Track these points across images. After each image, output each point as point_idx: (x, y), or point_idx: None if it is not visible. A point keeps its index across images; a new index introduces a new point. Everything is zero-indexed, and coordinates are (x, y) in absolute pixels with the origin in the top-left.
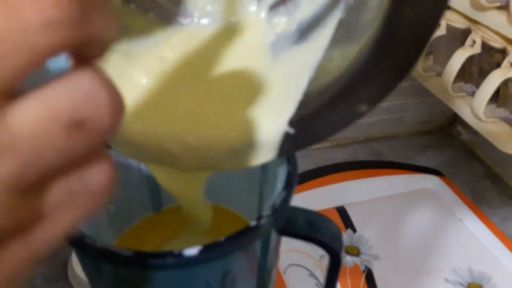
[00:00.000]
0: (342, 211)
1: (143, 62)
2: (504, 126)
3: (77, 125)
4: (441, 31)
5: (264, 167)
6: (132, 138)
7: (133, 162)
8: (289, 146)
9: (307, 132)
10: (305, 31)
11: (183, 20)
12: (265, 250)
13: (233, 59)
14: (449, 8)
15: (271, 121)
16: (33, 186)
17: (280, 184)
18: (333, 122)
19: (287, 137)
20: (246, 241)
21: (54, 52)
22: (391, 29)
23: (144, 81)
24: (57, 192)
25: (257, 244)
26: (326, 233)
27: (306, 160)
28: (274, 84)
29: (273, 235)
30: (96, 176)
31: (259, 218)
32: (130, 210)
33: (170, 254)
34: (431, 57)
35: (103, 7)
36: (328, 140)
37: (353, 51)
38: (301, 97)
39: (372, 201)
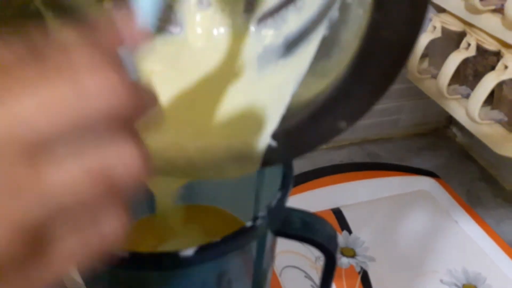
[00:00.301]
0: (338, 213)
1: None
2: (498, 128)
3: (103, 180)
4: (436, 33)
5: (260, 171)
6: None
7: None
8: (272, 158)
9: (289, 146)
10: (291, 45)
11: (173, 29)
12: (261, 250)
13: (220, 72)
14: (442, 10)
15: (255, 133)
16: (46, 233)
17: (276, 185)
18: (314, 136)
19: (270, 149)
20: (241, 242)
21: (101, 122)
22: (368, 51)
23: None
24: (68, 240)
25: (253, 245)
26: (321, 234)
27: (302, 162)
28: (259, 98)
29: (269, 236)
30: (110, 222)
31: (254, 219)
32: None
33: (165, 255)
34: (427, 59)
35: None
36: None
37: (333, 69)
38: (284, 111)
39: (368, 202)
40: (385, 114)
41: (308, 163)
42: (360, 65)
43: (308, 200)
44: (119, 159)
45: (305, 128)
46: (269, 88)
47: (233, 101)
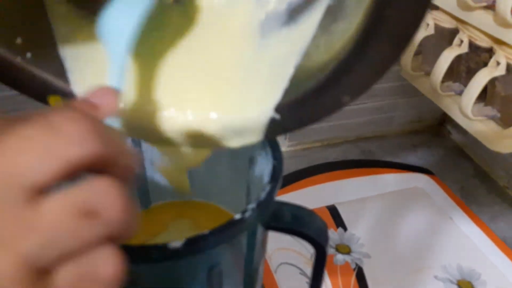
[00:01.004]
0: (333, 210)
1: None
2: (491, 125)
3: (90, 215)
4: (429, 31)
5: (251, 163)
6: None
7: None
8: (275, 129)
9: (292, 118)
10: (295, 12)
11: None
12: (252, 244)
13: (223, 41)
14: (435, 7)
15: (258, 107)
16: (47, 266)
17: (266, 179)
18: (317, 110)
19: (273, 121)
20: (230, 234)
21: (84, 166)
22: (373, 27)
23: (135, 64)
24: (66, 274)
25: (243, 238)
26: (311, 227)
27: (297, 159)
28: (262, 69)
29: (259, 229)
30: (104, 261)
31: (243, 211)
32: None
33: (155, 247)
34: (420, 57)
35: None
36: (319, 140)
37: (338, 41)
38: (287, 83)
39: (363, 200)
40: (380, 112)
41: (303, 161)
42: (364, 39)
43: (303, 197)
44: (102, 195)
45: (308, 101)
46: (272, 59)
47: (234, 73)
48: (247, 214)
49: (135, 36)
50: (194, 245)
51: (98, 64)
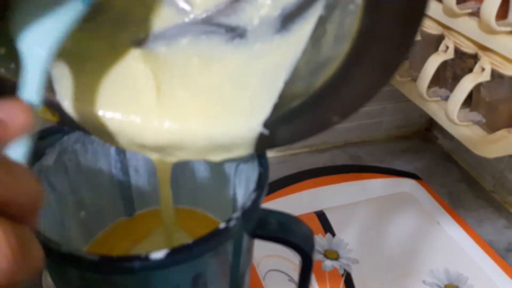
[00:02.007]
0: (321, 216)
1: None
2: (477, 130)
3: None
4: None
5: (237, 170)
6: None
7: (104, 167)
8: (264, 144)
9: (281, 134)
10: (287, 19)
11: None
12: (237, 253)
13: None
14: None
15: (247, 122)
16: None
17: (252, 186)
18: (306, 127)
19: (261, 136)
20: (215, 244)
21: None
22: (359, 53)
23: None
24: None
25: (228, 247)
26: (297, 235)
27: (285, 165)
28: (251, 82)
29: (245, 237)
30: None
31: (228, 220)
32: (101, 215)
33: (136, 258)
34: (407, 62)
35: (26, 180)
36: (307, 146)
37: (327, 59)
38: (277, 99)
39: (351, 205)
40: (368, 117)
41: (291, 167)
42: (351, 62)
43: (291, 203)
44: None
45: (298, 118)
46: (262, 72)
47: (222, 87)
48: (232, 223)
49: (59, 43)
50: (177, 255)
51: (86, 74)
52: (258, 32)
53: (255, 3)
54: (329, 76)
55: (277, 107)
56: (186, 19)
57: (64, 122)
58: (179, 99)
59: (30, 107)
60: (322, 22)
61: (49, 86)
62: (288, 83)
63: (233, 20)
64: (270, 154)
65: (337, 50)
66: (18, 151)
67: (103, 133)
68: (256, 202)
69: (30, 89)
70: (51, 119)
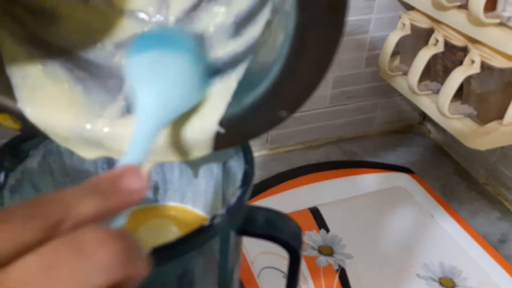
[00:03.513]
0: (315, 212)
1: None
2: (468, 122)
3: None
4: (405, 31)
5: (225, 167)
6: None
7: (90, 168)
8: (221, 143)
9: (236, 132)
10: (240, 25)
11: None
12: (224, 250)
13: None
14: (410, 7)
15: (202, 121)
16: None
17: (239, 183)
18: (258, 123)
19: (218, 135)
20: (200, 241)
21: None
22: (296, 49)
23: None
24: None
25: (215, 244)
26: (285, 232)
27: (279, 162)
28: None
29: (232, 234)
30: None
31: (213, 217)
32: None
33: None
34: (398, 57)
35: (142, 255)
36: (302, 142)
37: (273, 58)
38: (230, 99)
39: (345, 200)
40: (360, 113)
41: (285, 163)
42: (291, 58)
43: (285, 200)
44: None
45: (250, 115)
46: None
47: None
48: (217, 220)
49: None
50: (160, 254)
51: (45, 84)
52: (213, 38)
53: (210, 12)
54: (276, 74)
55: (230, 106)
56: (146, 29)
57: (27, 130)
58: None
59: (141, 173)
60: (268, 25)
61: (10, 93)
62: (241, 82)
63: (190, 28)
64: (264, 151)
65: (280, 50)
66: (119, 222)
67: (67, 142)
68: (241, 199)
69: (140, 150)
70: (13, 126)
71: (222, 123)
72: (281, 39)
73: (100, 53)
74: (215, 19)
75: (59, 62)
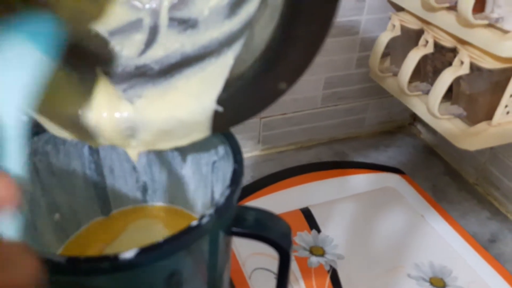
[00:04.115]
0: (306, 212)
1: None
2: (458, 123)
3: None
4: (395, 32)
5: (214, 167)
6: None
7: (77, 168)
8: (220, 123)
9: (235, 110)
10: (235, 5)
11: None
12: (214, 250)
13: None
14: (400, 9)
15: (200, 100)
16: None
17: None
18: (258, 99)
19: (217, 114)
20: (187, 241)
21: None
22: (291, 16)
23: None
24: None
25: (203, 245)
26: (274, 231)
27: (271, 163)
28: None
29: (221, 235)
30: None
31: (201, 217)
32: (77, 216)
33: (105, 258)
34: (388, 58)
35: (22, 261)
36: (293, 143)
37: (269, 29)
38: (227, 75)
39: (336, 201)
40: (351, 114)
41: (276, 164)
42: (287, 26)
43: (277, 200)
44: None
45: (248, 91)
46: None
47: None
48: (205, 220)
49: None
50: (147, 254)
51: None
52: (209, 21)
53: None
54: (272, 43)
55: (228, 82)
56: (140, 16)
57: None
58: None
59: (14, 178)
60: (263, 1)
61: None
62: (237, 58)
63: (184, 13)
64: (256, 152)
65: (273, 24)
66: (9, 226)
67: (61, 130)
68: (229, 198)
69: (12, 157)
70: None
71: (220, 101)
72: (274, 13)
73: (93, 41)
74: (209, 3)
75: None
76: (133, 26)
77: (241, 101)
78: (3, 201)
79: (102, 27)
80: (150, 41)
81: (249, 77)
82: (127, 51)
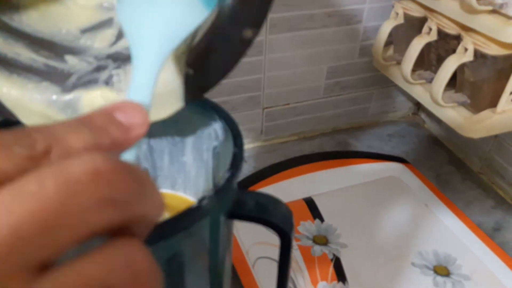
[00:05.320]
0: (310, 202)
1: None
2: (462, 111)
3: None
4: (399, 20)
5: (215, 153)
6: None
7: None
8: (195, 88)
9: (206, 70)
10: None
11: None
12: (214, 234)
13: None
14: None
15: (170, 69)
16: None
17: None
18: (226, 54)
19: (189, 79)
20: (187, 223)
21: (100, 231)
22: None
23: None
24: None
25: (204, 228)
26: (276, 215)
27: (274, 153)
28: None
29: (221, 218)
30: None
31: (201, 199)
32: None
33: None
34: (391, 47)
35: (154, 192)
36: (296, 133)
37: None
38: (190, 31)
39: (339, 190)
40: (355, 103)
41: (279, 155)
42: None
43: (280, 190)
44: (123, 268)
45: (215, 46)
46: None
47: None
48: (204, 202)
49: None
50: (147, 235)
51: None
52: None
53: None
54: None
55: (194, 43)
56: (111, 15)
57: None
58: None
59: (145, 110)
60: None
61: None
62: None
63: None
64: (258, 143)
65: None
66: (128, 158)
67: (35, 118)
68: (229, 181)
69: (142, 88)
70: None
71: (188, 62)
72: None
73: (65, 37)
74: None
75: (23, 44)
76: (105, 23)
77: (209, 59)
78: (139, 128)
79: (74, 26)
80: (121, 34)
81: (211, 31)
82: (99, 43)
